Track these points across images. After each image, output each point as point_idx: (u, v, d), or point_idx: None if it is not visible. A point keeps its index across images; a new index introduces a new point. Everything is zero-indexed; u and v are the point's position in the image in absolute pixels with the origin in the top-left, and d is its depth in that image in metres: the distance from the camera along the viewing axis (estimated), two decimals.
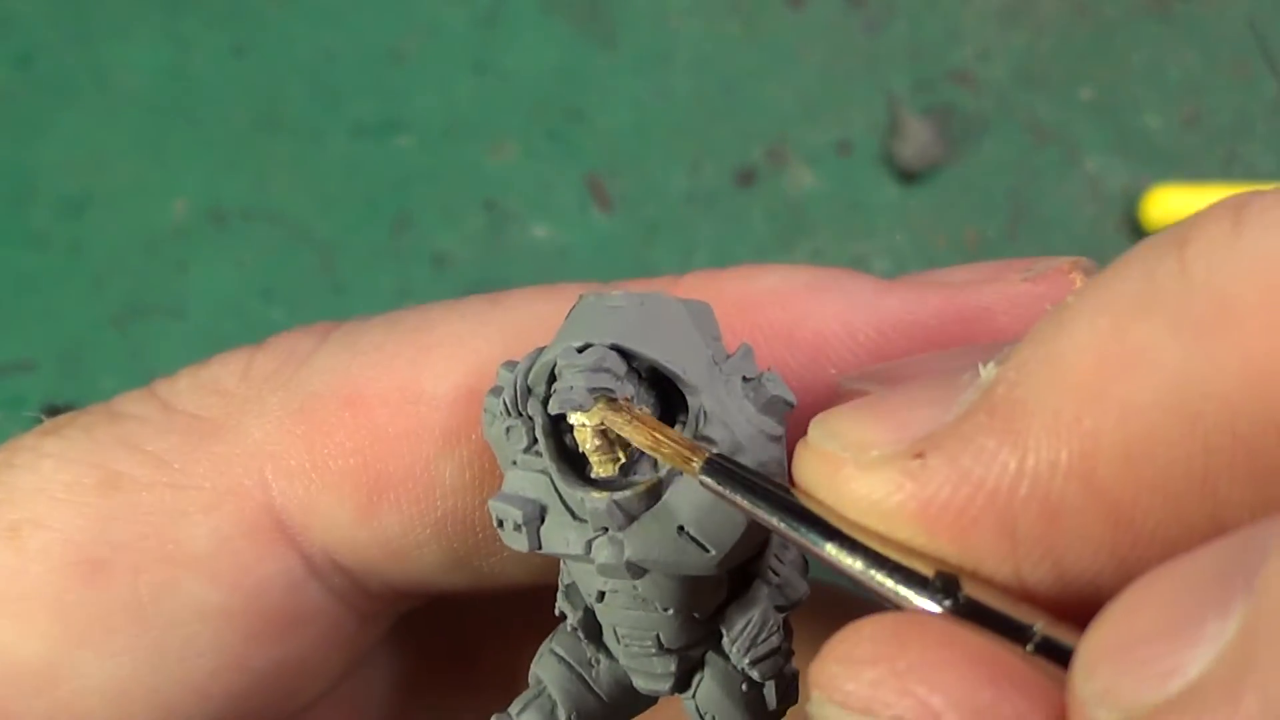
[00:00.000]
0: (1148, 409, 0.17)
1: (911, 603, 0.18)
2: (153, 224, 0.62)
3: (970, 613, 0.18)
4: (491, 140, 0.63)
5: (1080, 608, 0.18)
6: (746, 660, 0.24)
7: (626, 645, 0.25)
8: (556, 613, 0.25)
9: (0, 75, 0.64)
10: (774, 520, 0.20)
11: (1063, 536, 0.18)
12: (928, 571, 0.19)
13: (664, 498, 0.23)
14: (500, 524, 0.23)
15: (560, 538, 0.23)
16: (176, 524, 0.26)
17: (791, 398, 0.24)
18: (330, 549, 0.27)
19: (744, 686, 0.25)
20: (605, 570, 0.23)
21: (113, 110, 0.63)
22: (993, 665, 0.17)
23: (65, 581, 0.26)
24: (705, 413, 0.23)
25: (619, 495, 0.23)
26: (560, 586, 0.25)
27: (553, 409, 0.22)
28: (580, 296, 0.23)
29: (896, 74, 0.64)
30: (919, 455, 0.19)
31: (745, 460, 0.23)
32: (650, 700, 0.26)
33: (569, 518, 0.23)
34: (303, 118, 0.63)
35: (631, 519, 0.23)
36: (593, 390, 0.22)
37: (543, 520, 0.23)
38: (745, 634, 0.24)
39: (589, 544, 0.23)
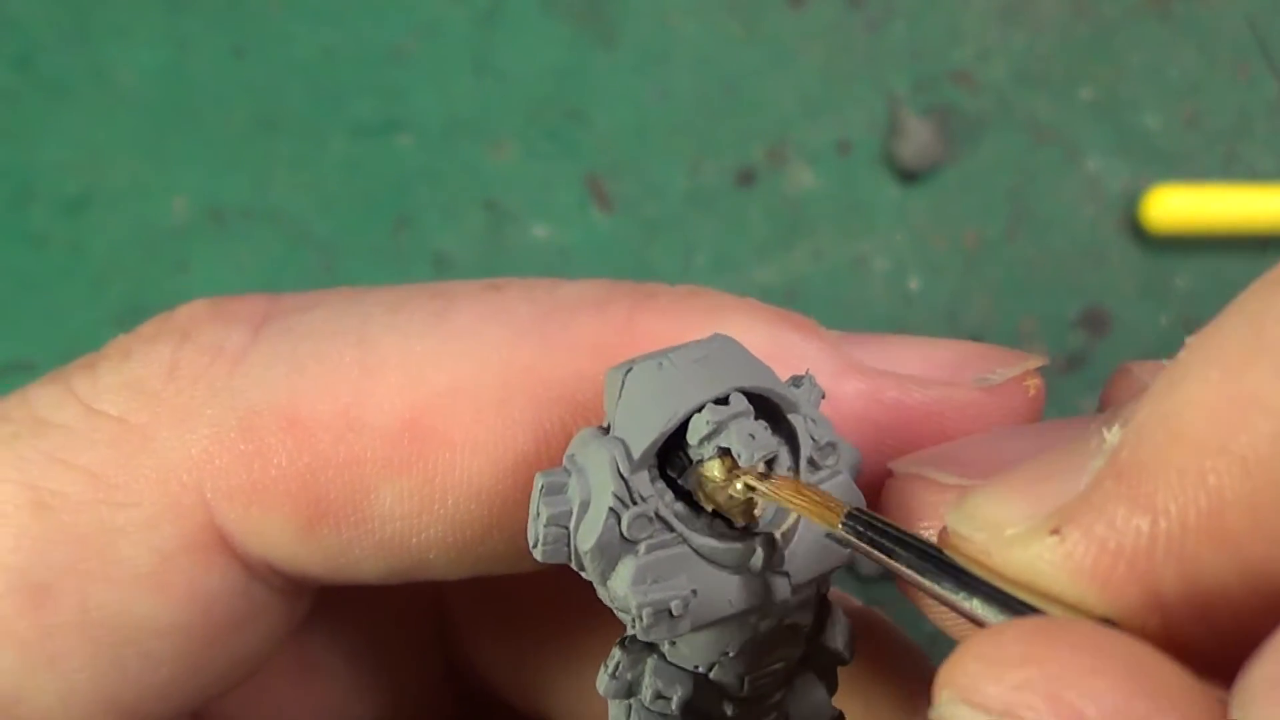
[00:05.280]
0: (1269, 459, 0.17)
1: None
2: (153, 224, 0.62)
3: None
4: (491, 140, 0.63)
5: (1237, 662, 0.17)
6: (842, 643, 0.26)
7: (757, 686, 0.24)
8: (649, 701, 0.24)
9: (0, 75, 0.64)
10: (915, 573, 0.20)
11: (1204, 594, 0.18)
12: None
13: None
14: (653, 621, 0.22)
15: (719, 602, 0.23)
16: (117, 544, 0.26)
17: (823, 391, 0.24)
18: (269, 561, 0.27)
19: (823, 681, 0.26)
20: (780, 608, 0.23)
21: (112, 110, 0.63)
22: (1151, 676, 0.16)
23: (11, 609, 0.25)
24: (814, 421, 0.23)
25: (784, 529, 0.23)
26: (649, 681, 0.24)
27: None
28: (631, 365, 0.23)
29: (896, 74, 0.64)
30: (1055, 531, 0.19)
31: (844, 451, 0.24)
32: None
33: (723, 578, 0.23)
34: (303, 118, 0.63)
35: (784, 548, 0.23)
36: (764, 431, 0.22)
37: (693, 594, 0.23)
38: (841, 621, 0.26)
39: (754, 590, 0.23)
